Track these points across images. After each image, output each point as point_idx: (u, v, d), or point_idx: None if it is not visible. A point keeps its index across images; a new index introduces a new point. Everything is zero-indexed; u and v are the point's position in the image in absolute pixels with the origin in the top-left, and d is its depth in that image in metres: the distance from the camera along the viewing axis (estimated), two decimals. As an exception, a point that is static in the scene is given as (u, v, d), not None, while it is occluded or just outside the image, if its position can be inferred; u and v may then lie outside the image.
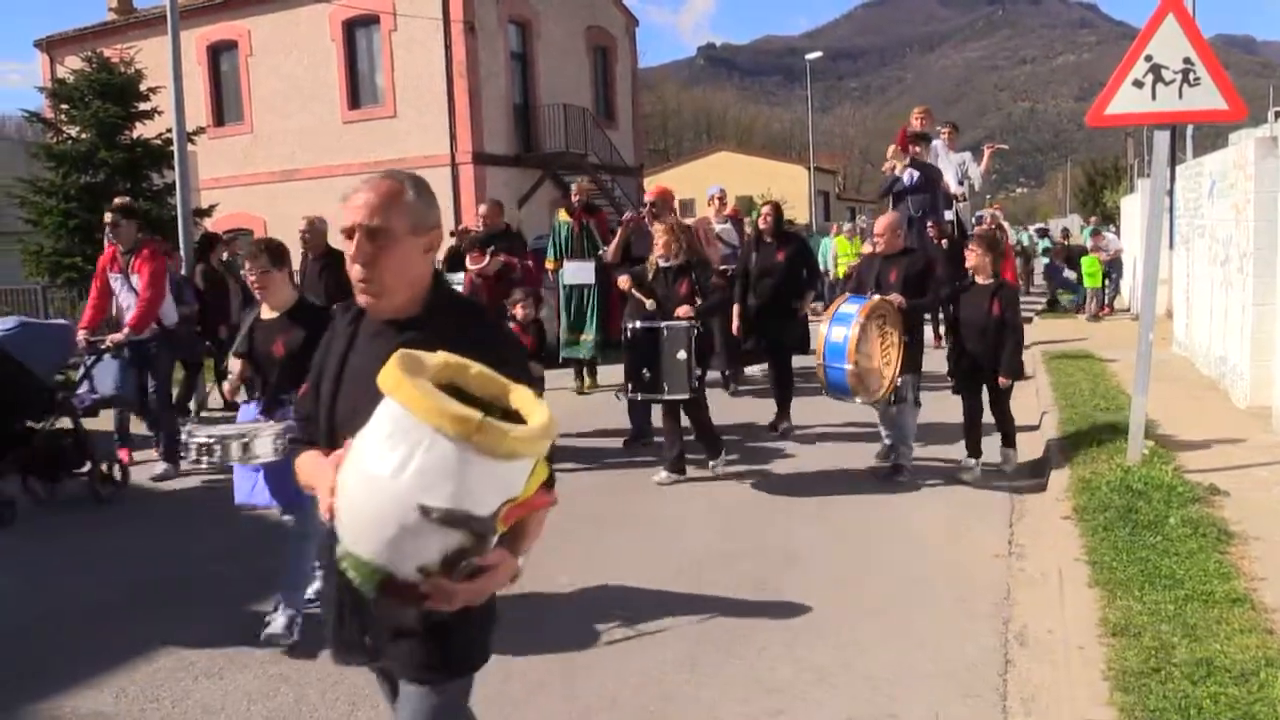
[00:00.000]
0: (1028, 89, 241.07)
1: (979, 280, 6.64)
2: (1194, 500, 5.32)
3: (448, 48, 22.36)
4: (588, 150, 25.22)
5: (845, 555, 5.25)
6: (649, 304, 6.79)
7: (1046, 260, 21.22)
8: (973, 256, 6.64)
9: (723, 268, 9.14)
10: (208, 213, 17.83)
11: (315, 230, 8.19)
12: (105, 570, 5.47)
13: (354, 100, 23.83)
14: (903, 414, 6.65)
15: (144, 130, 17.52)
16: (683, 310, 6.60)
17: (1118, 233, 19.97)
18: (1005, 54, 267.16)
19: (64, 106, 17.54)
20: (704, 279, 6.89)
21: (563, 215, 10.33)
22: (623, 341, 6.76)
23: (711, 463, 6.97)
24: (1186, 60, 6.05)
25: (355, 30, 23.70)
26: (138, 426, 8.31)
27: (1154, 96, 6.13)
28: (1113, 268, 18.25)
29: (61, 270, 15.94)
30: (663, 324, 6.55)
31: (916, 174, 10.66)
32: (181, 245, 10.86)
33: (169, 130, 13.54)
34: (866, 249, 8.42)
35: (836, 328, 6.22)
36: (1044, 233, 25.96)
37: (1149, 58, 6.12)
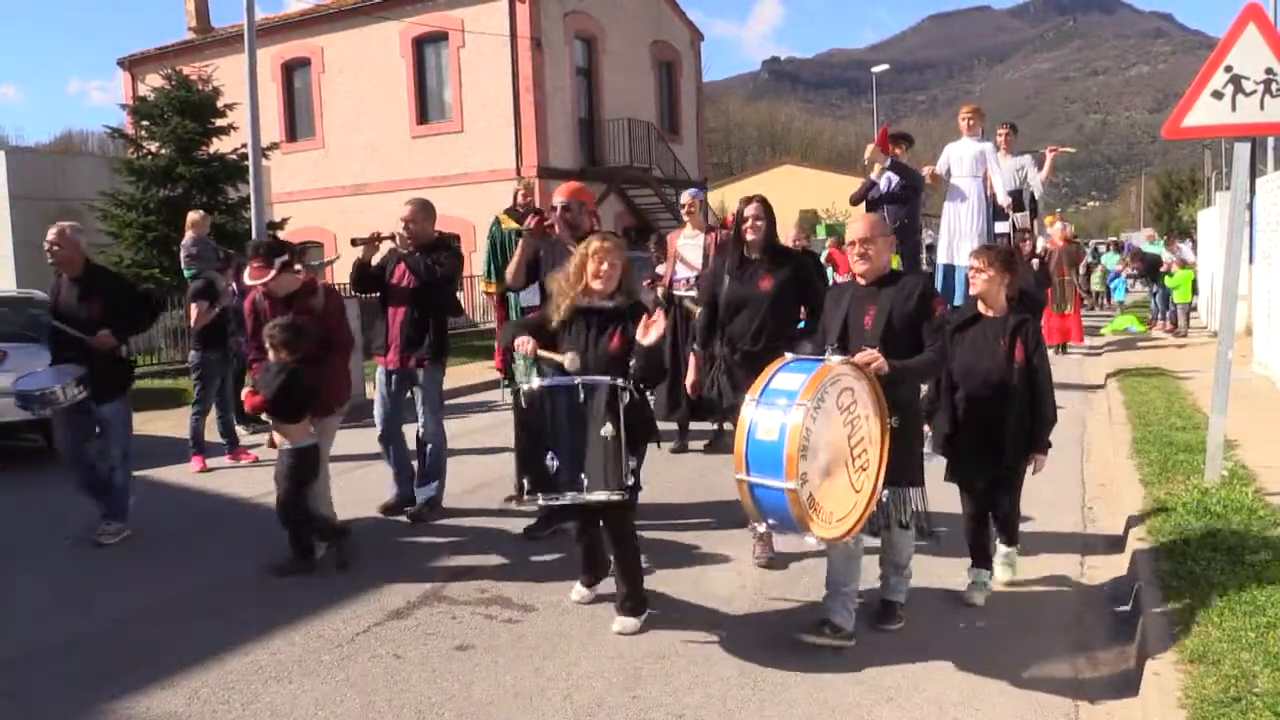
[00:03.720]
0: (1100, 101, 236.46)
1: (986, 312, 4.76)
2: (1276, 523, 5.14)
3: (514, 63, 22.65)
4: (652, 164, 25.34)
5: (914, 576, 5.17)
6: (567, 359, 4.52)
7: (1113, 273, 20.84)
8: (979, 279, 4.69)
9: (684, 294, 8.05)
10: (281, 225, 18.26)
11: (66, 241, 6.26)
12: (176, 573, 5.60)
13: (422, 115, 24.25)
14: (896, 538, 4.38)
15: (220, 145, 18.00)
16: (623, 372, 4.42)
17: (1194, 247, 19.48)
18: (1077, 65, 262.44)
19: (144, 123, 18.10)
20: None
21: (507, 222, 7.86)
22: (514, 411, 4.47)
23: (620, 621, 4.51)
24: (1269, 70, 5.90)
25: (424, 47, 24.12)
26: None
27: (1234, 108, 5.99)
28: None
29: (140, 281, 16.40)
30: (579, 380, 4.34)
31: (895, 179, 9.53)
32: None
33: (244, 145, 13.94)
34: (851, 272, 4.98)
35: (765, 413, 3.77)
36: (1119, 246, 25.44)
37: (1229, 68, 5.98)
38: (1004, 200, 10.51)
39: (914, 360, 4.11)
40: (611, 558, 4.64)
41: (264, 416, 5.80)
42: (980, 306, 4.76)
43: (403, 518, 6.49)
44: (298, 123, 26.05)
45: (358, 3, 24.46)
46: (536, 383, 4.39)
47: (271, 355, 5.50)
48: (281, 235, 17.17)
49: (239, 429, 9.42)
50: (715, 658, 4.20)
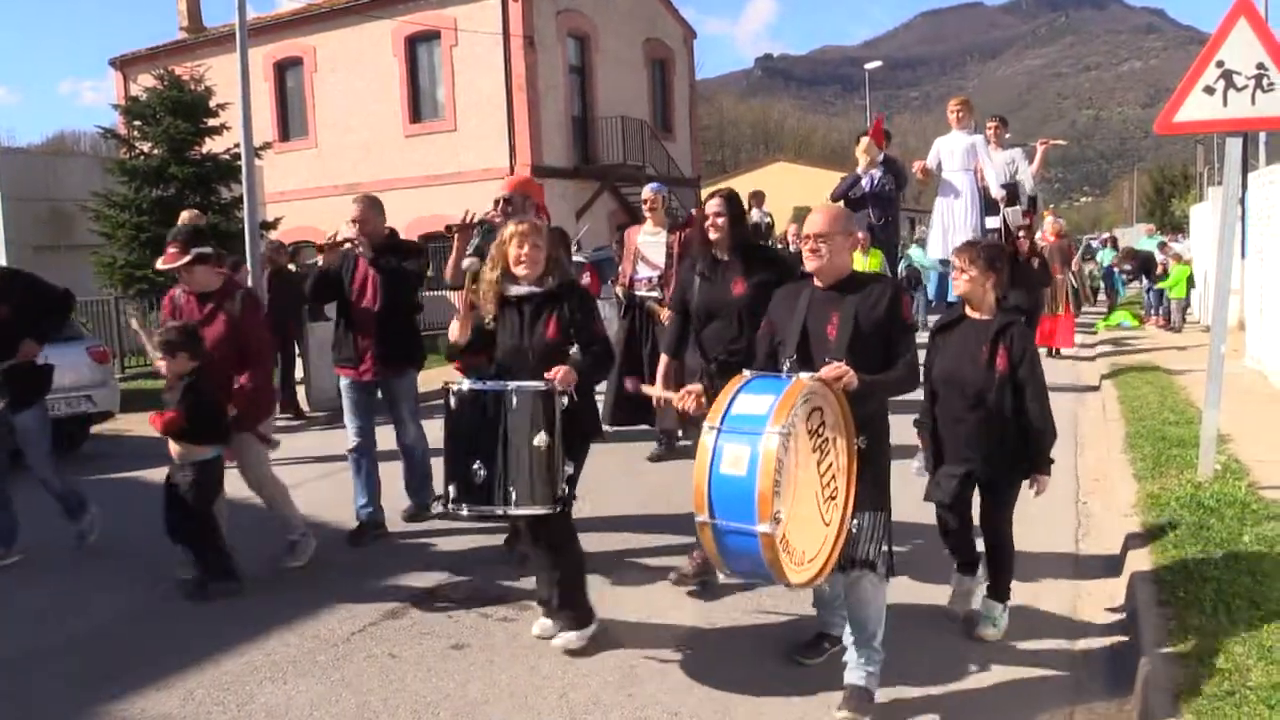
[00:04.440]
0: (1093, 96, 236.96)
1: (972, 314, 4.29)
2: (1269, 517, 5.16)
3: (507, 62, 22.62)
4: (645, 162, 25.33)
5: (907, 565, 5.18)
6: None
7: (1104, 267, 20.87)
8: (961, 279, 4.24)
9: (647, 295, 7.65)
10: (274, 225, 18.22)
11: None
12: (171, 574, 5.59)
13: (415, 114, 24.21)
14: (864, 593, 3.65)
15: (213, 145, 17.95)
16: (559, 375, 4.02)
17: (1187, 242, 19.54)
18: (1069, 61, 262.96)
19: (137, 123, 18.04)
20: (580, 318, 4.29)
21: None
22: (445, 415, 4.14)
23: (562, 637, 4.29)
24: (1260, 65, 5.91)
25: (417, 46, 24.08)
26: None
27: (1226, 103, 5.99)
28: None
29: (133, 282, 16.37)
30: (509, 385, 4.00)
31: (879, 176, 9.24)
32: (248, 257, 11.19)
33: (237, 145, 13.87)
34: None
35: (730, 443, 3.27)
36: (1113, 242, 25.51)
37: (1220, 63, 5.98)
38: (998, 193, 10.27)
39: (885, 376, 3.62)
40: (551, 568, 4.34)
41: (169, 438, 5.14)
42: (966, 308, 4.33)
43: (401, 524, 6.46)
44: (290, 122, 26.00)
45: (349, 2, 24.41)
46: (466, 385, 4.08)
47: (162, 364, 5.02)
48: (275, 235, 17.14)
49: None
50: (712, 658, 4.20)
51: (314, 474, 8.14)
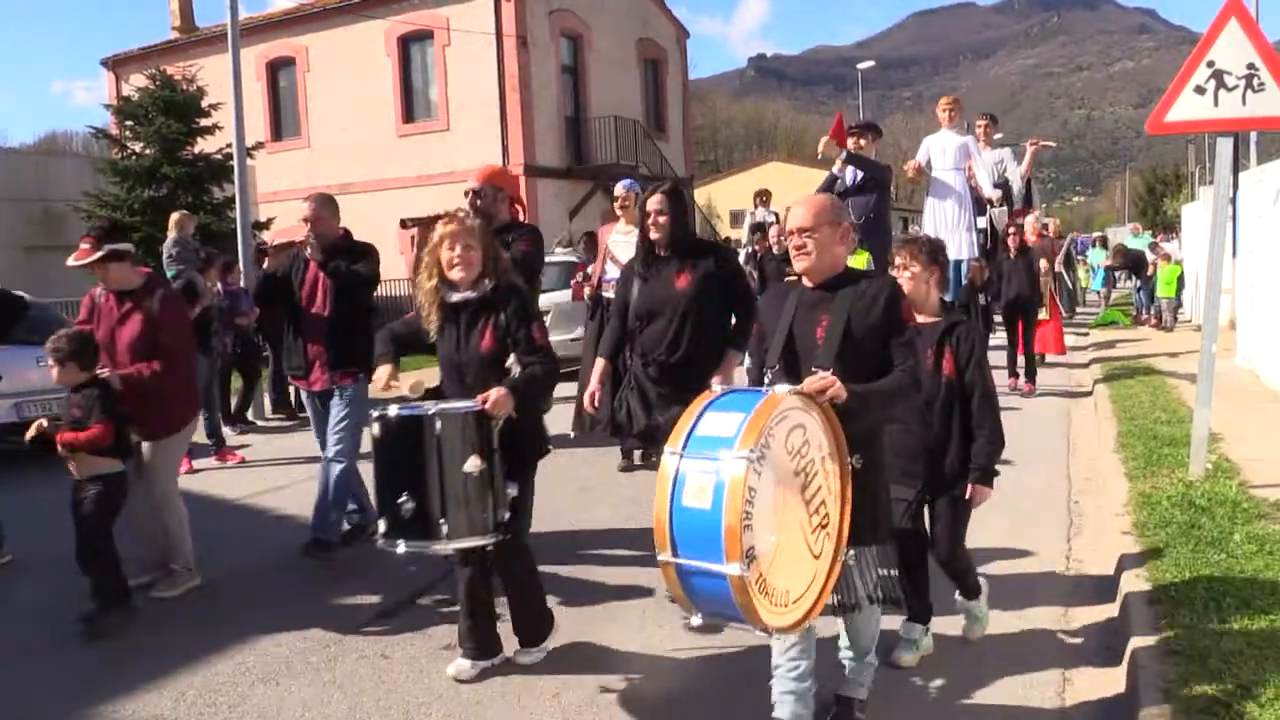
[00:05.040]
0: (1085, 96, 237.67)
1: (917, 316, 3.83)
2: (1260, 516, 5.17)
3: (500, 62, 22.62)
4: (638, 162, 25.34)
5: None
6: (408, 388, 4.03)
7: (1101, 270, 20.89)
8: (904, 277, 3.88)
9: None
10: (266, 225, 18.20)
11: None
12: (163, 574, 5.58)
13: (408, 114, 24.20)
14: (859, 620, 3.41)
15: (205, 145, 17.94)
16: (491, 402, 3.65)
17: (1178, 242, 19.60)
18: (1061, 61, 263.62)
19: (129, 123, 18.04)
20: (517, 325, 3.89)
21: None
22: (373, 440, 3.78)
23: (523, 653, 4.13)
24: (1250, 66, 5.92)
25: (410, 46, 24.07)
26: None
27: (1217, 103, 6.01)
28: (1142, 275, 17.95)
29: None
30: (431, 409, 3.64)
31: (859, 171, 8.82)
32: (240, 257, 11.15)
33: (229, 145, 13.88)
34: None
35: (694, 468, 2.88)
36: (1104, 242, 25.57)
37: (1211, 63, 6.00)
38: (991, 193, 10.36)
39: (879, 384, 3.20)
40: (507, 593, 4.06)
41: (67, 455, 4.66)
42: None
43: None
44: (283, 122, 25.97)
45: (342, 2, 24.39)
46: (392, 410, 3.71)
47: (54, 372, 4.66)
48: (267, 235, 17.12)
49: (225, 430, 9.40)
50: (708, 658, 4.20)
51: (305, 474, 8.11)
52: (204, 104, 17.89)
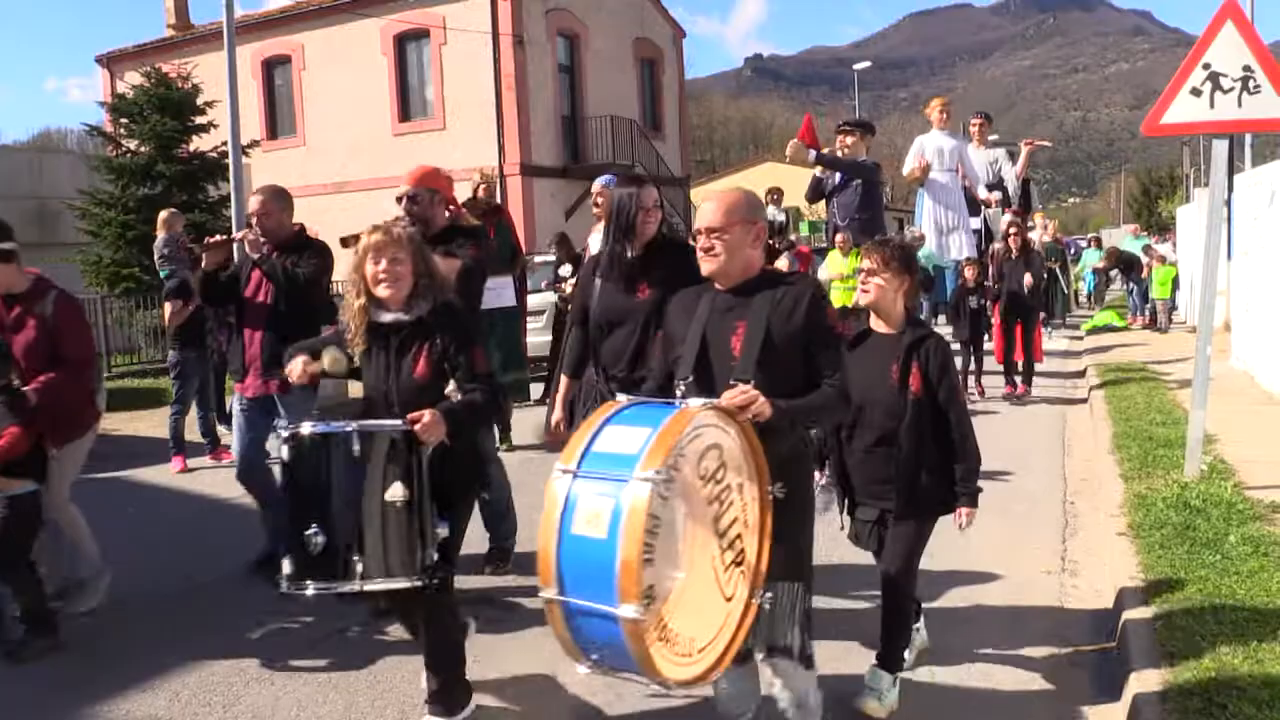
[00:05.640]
0: (1080, 98, 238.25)
1: (879, 326, 3.67)
2: (1255, 518, 5.18)
3: (496, 61, 22.62)
4: (634, 161, 25.34)
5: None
6: (327, 361, 3.56)
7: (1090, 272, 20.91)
8: (871, 283, 3.57)
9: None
10: (261, 224, 18.14)
11: None
12: (157, 574, 5.56)
13: (404, 113, 24.19)
14: (788, 676, 3.03)
15: (200, 143, 17.88)
16: (422, 423, 3.16)
17: (1173, 244, 19.65)
18: (1057, 62, 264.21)
19: (123, 121, 17.96)
20: (456, 350, 3.44)
21: (464, 218, 7.54)
22: (281, 462, 3.32)
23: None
24: (1246, 68, 5.94)
25: (406, 44, 24.06)
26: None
27: (1212, 105, 6.03)
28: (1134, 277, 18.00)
29: (119, 280, 16.30)
30: (351, 426, 3.19)
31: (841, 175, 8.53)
32: (235, 255, 11.09)
33: (225, 143, 13.84)
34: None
35: (588, 491, 2.49)
36: (1099, 243, 25.64)
37: (1207, 65, 6.02)
38: (984, 195, 10.27)
39: (806, 400, 2.87)
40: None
41: None
42: (872, 319, 3.69)
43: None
44: (279, 120, 25.94)
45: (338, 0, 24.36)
46: (307, 428, 3.22)
47: None
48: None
49: (220, 428, 9.38)
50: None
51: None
52: (199, 102, 17.83)
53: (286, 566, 3.20)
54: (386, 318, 3.47)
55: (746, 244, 3.01)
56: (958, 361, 9.83)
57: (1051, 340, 14.91)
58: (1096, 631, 4.33)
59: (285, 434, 3.24)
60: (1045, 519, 6.01)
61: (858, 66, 45.72)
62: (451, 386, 3.41)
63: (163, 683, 4.10)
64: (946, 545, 4.83)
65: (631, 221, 3.91)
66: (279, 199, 5.28)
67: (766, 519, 2.77)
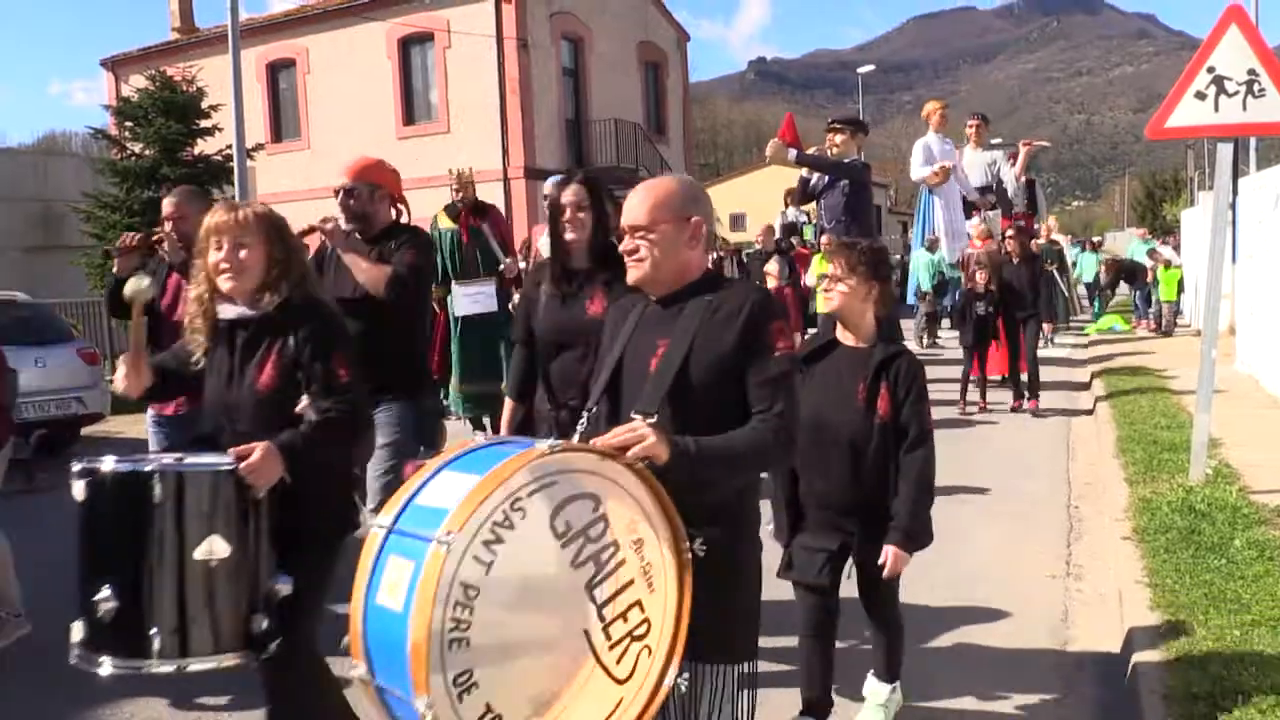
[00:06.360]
0: (1084, 101, 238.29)
1: (845, 339, 3.29)
2: (1260, 522, 5.17)
3: (501, 64, 22.64)
4: (638, 165, 25.35)
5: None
6: (130, 286, 3.02)
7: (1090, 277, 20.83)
8: (836, 289, 3.22)
9: None
10: (265, 227, 18.19)
11: None
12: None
13: (408, 116, 24.21)
14: None
15: (205, 147, 17.94)
16: (250, 461, 2.58)
17: (1177, 247, 19.62)
18: (1061, 65, 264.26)
19: (128, 124, 18.03)
20: (311, 356, 2.82)
21: (444, 221, 7.35)
22: (78, 507, 2.61)
23: None
24: (1251, 72, 5.94)
25: (410, 48, 24.08)
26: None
27: (1217, 108, 6.03)
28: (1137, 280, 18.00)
29: (120, 284, 16.37)
30: (154, 466, 2.56)
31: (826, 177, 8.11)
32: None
33: (229, 146, 13.88)
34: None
35: (400, 548, 2.03)
36: (1097, 246, 25.62)
37: (1211, 69, 6.02)
38: (975, 196, 10.16)
39: (724, 439, 2.23)
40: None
41: None
42: (838, 330, 3.30)
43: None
44: (283, 124, 25.97)
45: (343, 3, 24.39)
46: (108, 463, 2.57)
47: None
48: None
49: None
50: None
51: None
52: (204, 105, 17.89)
53: (77, 632, 2.54)
54: (230, 313, 2.88)
55: (681, 244, 2.40)
56: (958, 370, 9.78)
57: (1053, 348, 14.33)
58: (1101, 636, 4.31)
59: (79, 468, 2.59)
60: (1049, 523, 6.00)
61: (861, 70, 45.80)
62: (304, 403, 2.80)
63: (166, 683, 4.09)
64: (949, 549, 4.83)
65: (555, 229, 3.47)
66: (193, 201, 4.89)
67: (685, 582, 2.18)
